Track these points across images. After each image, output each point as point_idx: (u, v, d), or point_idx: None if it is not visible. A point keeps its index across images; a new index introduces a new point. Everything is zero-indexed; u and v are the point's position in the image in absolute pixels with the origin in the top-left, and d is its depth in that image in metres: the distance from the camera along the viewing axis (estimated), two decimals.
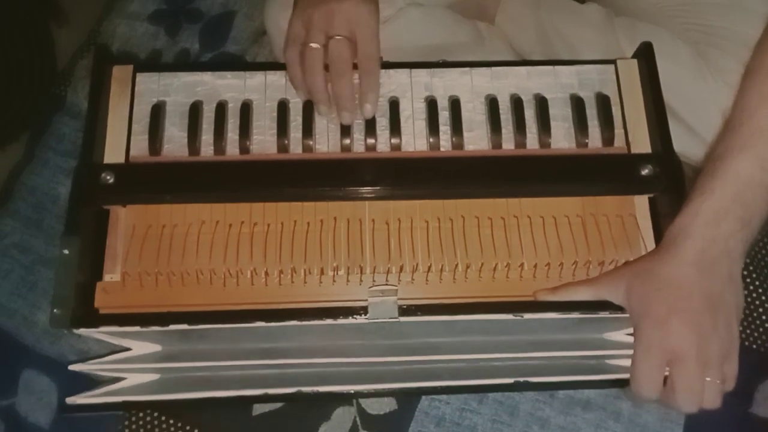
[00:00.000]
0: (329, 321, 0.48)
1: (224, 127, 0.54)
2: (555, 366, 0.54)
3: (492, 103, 0.55)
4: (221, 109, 0.55)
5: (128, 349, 0.56)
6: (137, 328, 0.48)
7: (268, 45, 0.84)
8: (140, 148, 0.54)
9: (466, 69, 0.57)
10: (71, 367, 0.52)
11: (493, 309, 0.48)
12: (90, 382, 0.57)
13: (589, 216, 0.52)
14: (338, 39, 0.52)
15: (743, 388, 0.60)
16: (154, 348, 0.57)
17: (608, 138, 0.54)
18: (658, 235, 0.51)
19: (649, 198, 0.53)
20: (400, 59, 0.57)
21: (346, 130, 0.54)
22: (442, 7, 0.76)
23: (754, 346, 0.69)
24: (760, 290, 0.71)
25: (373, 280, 0.50)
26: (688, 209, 0.47)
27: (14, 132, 0.87)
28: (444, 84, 0.56)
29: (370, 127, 0.54)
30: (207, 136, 0.54)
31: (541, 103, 0.55)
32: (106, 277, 0.51)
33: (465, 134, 0.54)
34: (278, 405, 0.65)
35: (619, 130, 0.55)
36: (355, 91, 0.54)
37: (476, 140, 0.54)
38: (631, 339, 0.48)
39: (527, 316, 0.48)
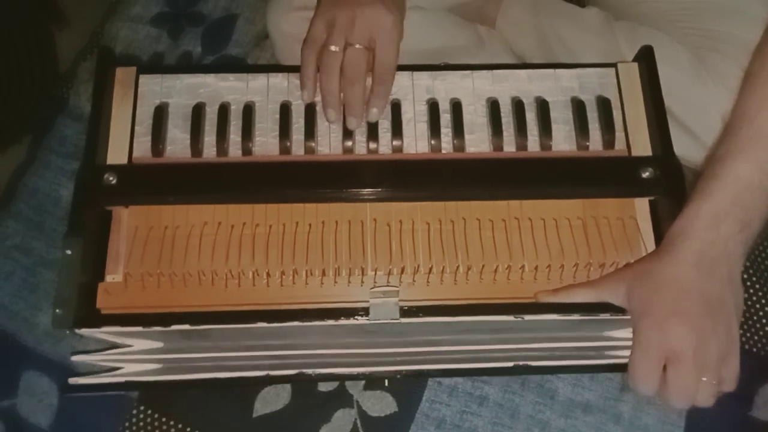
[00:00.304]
0: (330, 322, 0.48)
1: (227, 129, 0.54)
2: (554, 353, 0.54)
3: (493, 106, 0.55)
4: (224, 111, 0.55)
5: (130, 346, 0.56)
6: (139, 329, 0.48)
7: (269, 48, 0.84)
8: (143, 150, 0.54)
9: (468, 72, 0.57)
10: (73, 358, 0.52)
11: (494, 310, 0.49)
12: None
13: (590, 218, 0.52)
14: (357, 48, 0.53)
15: (743, 391, 0.60)
16: (155, 346, 0.57)
17: (609, 141, 0.54)
18: (659, 237, 0.52)
19: (649, 200, 0.53)
20: (401, 62, 0.57)
21: (348, 132, 0.55)
22: (443, 10, 0.76)
23: (755, 350, 0.69)
24: (760, 293, 0.71)
25: (375, 282, 0.50)
26: (687, 211, 0.47)
27: (16, 134, 0.87)
28: (445, 87, 0.57)
29: (372, 129, 0.55)
30: (209, 138, 0.54)
31: (542, 106, 0.55)
32: (108, 278, 0.51)
33: (466, 136, 0.54)
34: (279, 407, 0.65)
35: (619, 133, 0.55)
36: (365, 97, 0.54)
37: (477, 143, 0.55)
38: (630, 333, 0.48)
39: (528, 317, 0.48)
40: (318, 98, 0.56)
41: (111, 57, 0.58)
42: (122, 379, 0.51)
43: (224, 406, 0.65)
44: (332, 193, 0.52)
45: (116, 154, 0.53)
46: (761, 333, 0.70)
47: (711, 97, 0.63)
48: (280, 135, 0.54)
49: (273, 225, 0.52)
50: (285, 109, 0.55)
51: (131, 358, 0.54)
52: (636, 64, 0.57)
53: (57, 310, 0.48)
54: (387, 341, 0.55)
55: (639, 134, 0.55)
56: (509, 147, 0.54)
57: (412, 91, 0.56)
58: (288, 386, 0.65)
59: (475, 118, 0.55)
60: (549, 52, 0.75)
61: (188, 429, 0.66)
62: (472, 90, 0.57)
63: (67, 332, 0.69)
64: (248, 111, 0.55)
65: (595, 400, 0.66)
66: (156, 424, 0.66)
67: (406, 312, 0.48)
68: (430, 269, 0.50)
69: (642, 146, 0.54)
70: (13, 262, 0.74)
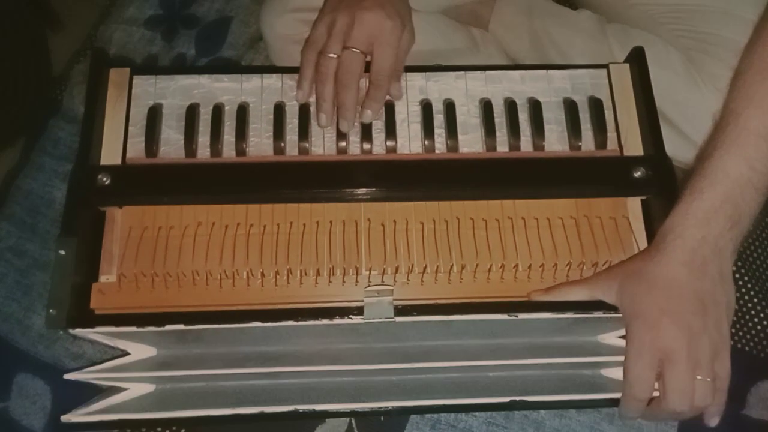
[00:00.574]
0: (325, 321, 0.48)
1: (221, 130, 0.54)
2: (551, 381, 0.54)
3: (486, 107, 0.55)
4: (218, 111, 0.55)
5: (123, 354, 0.56)
6: (133, 329, 0.48)
7: (263, 51, 0.85)
8: (137, 150, 0.54)
9: (461, 73, 0.57)
10: (66, 376, 0.52)
11: (488, 309, 0.49)
12: (84, 387, 0.56)
13: (583, 218, 0.53)
14: (353, 52, 0.53)
15: (736, 390, 0.61)
16: (149, 352, 0.57)
17: (601, 141, 0.55)
18: (651, 236, 0.52)
19: (641, 200, 0.54)
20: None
21: (341, 133, 0.55)
22: (437, 13, 0.77)
23: (747, 349, 0.70)
24: (752, 293, 0.71)
25: (369, 281, 0.50)
26: (678, 209, 0.48)
27: (10, 137, 0.87)
28: (439, 87, 0.57)
29: (366, 129, 0.55)
30: (203, 139, 0.54)
31: (535, 107, 0.55)
32: (102, 278, 0.51)
33: (460, 137, 0.55)
34: None
35: (611, 134, 0.55)
36: (357, 101, 0.54)
37: (471, 143, 0.55)
38: (623, 343, 0.48)
39: (522, 316, 0.48)
40: (312, 99, 0.56)
41: (105, 58, 0.58)
42: (115, 417, 0.50)
43: (220, 422, 0.65)
44: (326, 193, 0.52)
45: (110, 154, 0.53)
46: (753, 332, 0.70)
47: (701, 97, 0.63)
48: (274, 135, 0.54)
49: (267, 225, 0.52)
50: (279, 110, 0.55)
51: (124, 375, 0.53)
52: (627, 66, 0.58)
53: (51, 311, 0.47)
54: (380, 348, 0.55)
55: (631, 134, 0.55)
56: (502, 147, 0.55)
57: (406, 92, 0.57)
58: None
59: (469, 118, 0.56)
60: (542, 54, 0.76)
61: (183, 430, 0.65)
62: (466, 91, 0.57)
63: (61, 333, 0.69)
64: (242, 112, 0.55)
65: None
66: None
67: (400, 311, 0.48)
68: (424, 269, 0.51)
69: (634, 146, 0.55)
70: (7, 264, 0.74)
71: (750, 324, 0.70)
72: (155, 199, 0.52)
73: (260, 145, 0.55)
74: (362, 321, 0.48)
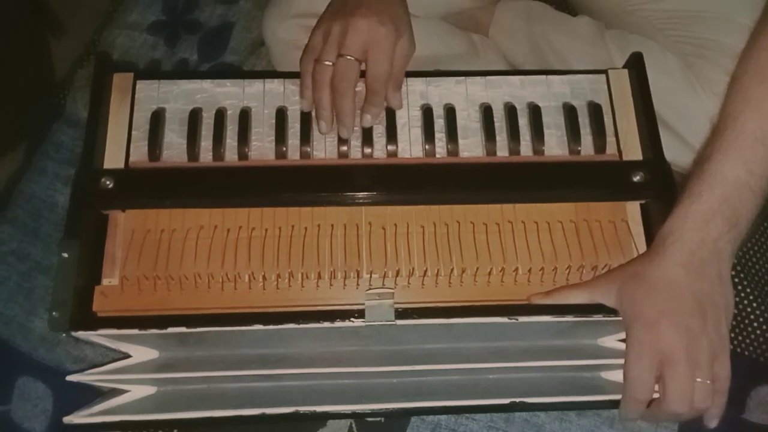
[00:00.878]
0: (326, 324, 0.48)
1: (223, 134, 0.55)
2: (551, 383, 0.55)
3: (486, 111, 0.56)
4: (220, 116, 0.55)
5: (125, 357, 0.56)
6: (135, 331, 0.48)
7: (265, 56, 0.85)
8: (140, 154, 0.54)
9: (461, 78, 0.58)
10: (69, 378, 0.52)
11: (489, 312, 0.49)
12: (85, 390, 0.57)
13: (582, 221, 0.53)
14: (347, 60, 0.53)
15: (736, 395, 0.61)
16: (151, 354, 0.57)
17: (600, 145, 0.55)
18: (650, 240, 0.52)
19: (640, 204, 0.54)
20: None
21: (343, 138, 0.55)
22: (437, 19, 0.77)
23: (746, 353, 0.70)
24: (751, 297, 0.72)
25: (370, 284, 0.50)
26: (676, 212, 0.48)
27: (13, 141, 0.87)
28: (439, 92, 0.57)
29: (367, 134, 0.55)
30: (206, 143, 0.55)
31: (535, 112, 0.56)
32: (105, 281, 0.51)
33: (460, 141, 0.55)
34: None
35: (610, 138, 0.56)
36: (355, 107, 0.55)
37: (471, 147, 0.55)
38: (623, 346, 0.48)
39: (522, 319, 0.49)
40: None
41: (108, 63, 0.58)
42: (117, 418, 0.50)
43: (222, 424, 0.65)
44: (327, 196, 0.52)
45: (113, 158, 0.54)
46: (753, 336, 0.71)
47: (699, 102, 0.64)
48: (276, 140, 0.55)
49: (269, 228, 0.52)
50: (281, 114, 0.56)
51: (126, 377, 0.54)
52: (626, 71, 0.58)
53: (53, 313, 0.48)
54: (381, 351, 0.55)
55: (630, 139, 0.56)
56: (502, 152, 0.55)
57: (407, 97, 0.57)
58: None
59: (469, 123, 0.56)
60: (541, 59, 0.77)
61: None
62: (466, 96, 0.57)
63: (63, 337, 0.69)
64: (244, 116, 0.55)
65: None
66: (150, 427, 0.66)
67: (401, 314, 0.48)
68: (425, 272, 0.51)
69: (633, 151, 0.55)
70: (9, 268, 0.74)
71: (749, 328, 0.71)
72: (158, 202, 0.52)
73: (262, 149, 0.55)
74: (363, 324, 0.48)
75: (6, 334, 0.71)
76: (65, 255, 0.49)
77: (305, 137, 0.55)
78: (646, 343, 0.46)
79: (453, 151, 0.55)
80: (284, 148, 0.55)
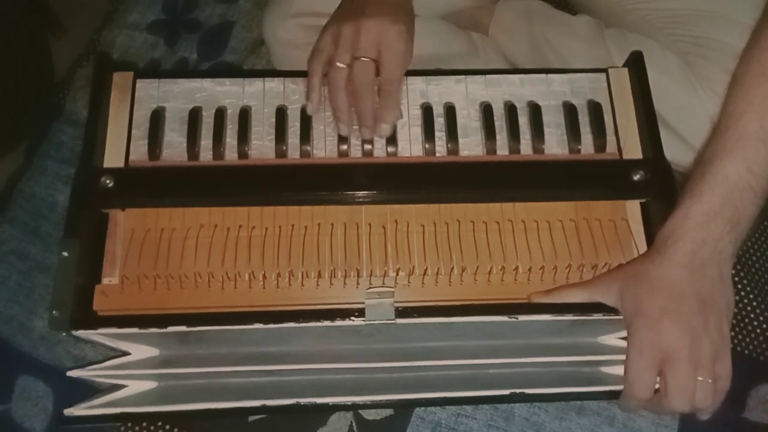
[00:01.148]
0: (326, 323, 0.48)
1: (223, 133, 0.55)
2: (550, 376, 0.55)
3: (486, 110, 0.56)
4: (220, 115, 0.55)
5: (126, 354, 0.56)
6: (135, 330, 0.48)
7: (265, 55, 0.85)
8: (140, 153, 0.54)
9: (461, 77, 0.58)
10: (69, 373, 0.52)
11: (489, 311, 0.49)
12: (86, 389, 0.57)
13: (582, 220, 0.53)
14: (363, 61, 0.53)
15: (736, 394, 0.61)
16: (151, 352, 0.57)
17: (600, 144, 0.55)
18: (650, 239, 0.52)
19: (640, 203, 0.54)
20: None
21: (342, 136, 0.55)
22: (437, 18, 0.77)
23: (746, 352, 0.70)
24: (751, 296, 0.72)
25: (370, 283, 0.50)
26: (678, 212, 0.48)
27: (13, 141, 0.87)
28: (439, 91, 0.57)
29: None
30: (206, 142, 0.55)
31: (535, 110, 0.56)
32: (105, 281, 0.51)
33: (460, 140, 0.55)
34: None
35: (610, 137, 0.56)
36: (375, 107, 0.54)
37: (471, 146, 0.55)
38: (624, 344, 0.48)
39: (522, 317, 0.49)
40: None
41: (108, 62, 0.58)
42: (117, 410, 0.50)
43: (222, 416, 0.65)
44: (327, 195, 0.52)
45: (113, 157, 0.54)
46: (753, 335, 0.71)
47: (699, 101, 0.64)
48: (276, 138, 0.55)
49: (269, 227, 0.52)
50: (281, 113, 0.56)
51: (126, 373, 0.54)
52: (626, 70, 0.58)
53: (54, 312, 0.48)
54: (381, 349, 0.55)
55: (630, 138, 0.56)
56: (502, 150, 0.55)
57: (407, 96, 0.57)
58: None
59: (469, 122, 0.56)
60: (541, 58, 0.76)
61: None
62: (466, 94, 0.57)
63: (63, 336, 0.69)
64: (244, 115, 0.55)
65: (589, 402, 0.66)
66: (152, 428, 0.66)
67: (401, 312, 0.48)
68: (425, 271, 0.51)
69: (633, 149, 0.55)
70: (9, 267, 0.74)
71: (749, 327, 0.71)
72: (158, 201, 0.52)
73: (262, 148, 0.55)
74: (363, 323, 0.48)
75: (6, 333, 0.71)
76: (65, 254, 0.49)
77: (305, 136, 0.55)
78: (648, 342, 0.46)
79: (453, 150, 0.55)
80: (284, 147, 0.55)
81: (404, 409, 0.65)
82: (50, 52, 0.93)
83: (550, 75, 0.58)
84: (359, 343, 0.55)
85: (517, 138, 0.55)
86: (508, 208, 0.53)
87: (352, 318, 0.48)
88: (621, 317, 0.48)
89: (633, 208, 0.54)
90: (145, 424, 0.66)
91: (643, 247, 0.52)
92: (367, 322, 0.48)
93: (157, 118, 0.55)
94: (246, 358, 0.54)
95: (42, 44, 0.92)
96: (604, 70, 0.58)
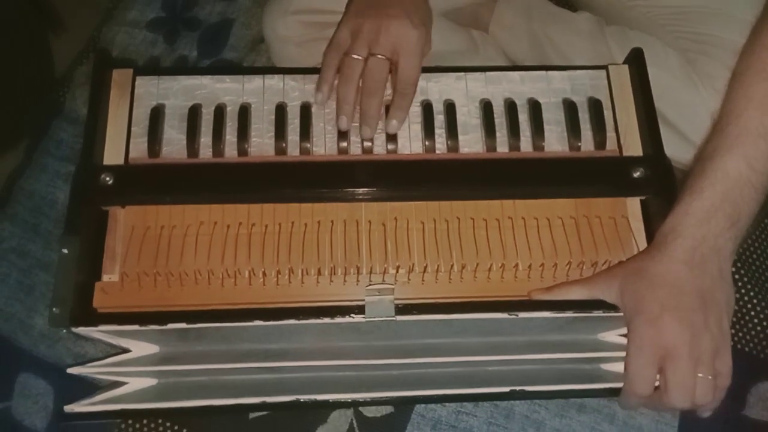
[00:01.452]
0: (326, 320, 0.48)
1: (223, 130, 0.55)
2: (550, 373, 0.55)
3: (486, 107, 0.56)
4: (220, 112, 0.55)
5: (126, 351, 0.56)
6: (135, 327, 0.48)
7: (265, 53, 0.85)
8: (139, 150, 0.54)
9: (461, 74, 0.58)
10: (69, 370, 0.52)
11: (489, 308, 0.49)
12: (86, 386, 0.57)
13: (582, 217, 0.53)
14: (379, 59, 0.53)
15: (736, 391, 0.61)
16: (151, 349, 0.57)
17: (600, 141, 0.55)
18: (650, 236, 0.52)
19: (641, 200, 0.54)
20: None
21: (342, 133, 0.55)
22: (438, 15, 0.77)
23: (747, 349, 0.70)
24: (752, 294, 0.72)
25: (370, 280, 0.50)
26: (678, 209, 0.48)
27: (13, 138, 0.87)
28: (439, 88, 0.57)
29: None
30: (206, 139, 0.54)
31: (535, 107, 0.56)
32: (105, 278, 0.51)
33: (460, 137, 0.55)
34: None
35: (611, 134, 0.56)
36: (381, 108, 0.54)
37: (471, 143, 0.55)
38: (624, 340, 0.48)
39: (522, 314, 0.49)
40: (312, 99, 0.56)
41: (108, 59, 0.58)
42: (118, 407, 0.50)
43: (221, 412, 0.65)
44: (327, 192, 0.52)
45: (113, 154, 0.54)
46: (753, 333, 0.71)
47: (700, 98, 0.64)
48: (275, 136, 0.55)
49: (268, 224, 0.52)
50: (280, 110, 0.56)
51: (126, 370, 0.54)
52: (627, 67, 0.58)
53: (54, 309, 0.48)
54: (381, 346, 0.55)
55: (630, 135, 0.56)
56: (502, 148, 0.55)
57: None
58: None
59: (469, 119, 0.56)
60: (542, 55, 0.76)
61: (184, 430, 0.66)
62: (466, 91, 0.57)
63: (63, 333, 0.69)
64: (244, 112, 0.55)
65: (589, 400, 0.66)
66: (152, 426, 0.66)
67: (401, 309, 0.48)
68: (425, 268, 0.51)
69: (633, 147, 0.55)
70: (9, 264, 0.74)
71: (750, 325, 0.71)
72: (158, 198, 0.52)
73: (262, 145, 0.55)
74: (363, 319, 0.48)
75: (7, 330, 0.71)
76: (65, 251, 0.49)
77: (305, 133, 0.55)
78: (648, 338, 0.46)
79: (453, 147, 0.55)
80: (284, 144, 0.54)
81: (404, 406, 0.66)
82: (50, 51, 0.93)
83: (550, 72, 0.58)
84: (359, 340, 0.55)
85: (517, 135, 0.55)
86: (508, 206, 0.53)
87: (352, 315, 0.48)
88: (621, 314, 0.48)
89: (633, 205, 0.54)
90: (145, 421, 0.66)
91: (643, 244, 0.52)
92: (367, 319, 0.48)
93: (156, 116, 0.55)
94: (246, 355, 0.54)
95: (42, 42, 0.92)
96: (605, 67, 0.58)
